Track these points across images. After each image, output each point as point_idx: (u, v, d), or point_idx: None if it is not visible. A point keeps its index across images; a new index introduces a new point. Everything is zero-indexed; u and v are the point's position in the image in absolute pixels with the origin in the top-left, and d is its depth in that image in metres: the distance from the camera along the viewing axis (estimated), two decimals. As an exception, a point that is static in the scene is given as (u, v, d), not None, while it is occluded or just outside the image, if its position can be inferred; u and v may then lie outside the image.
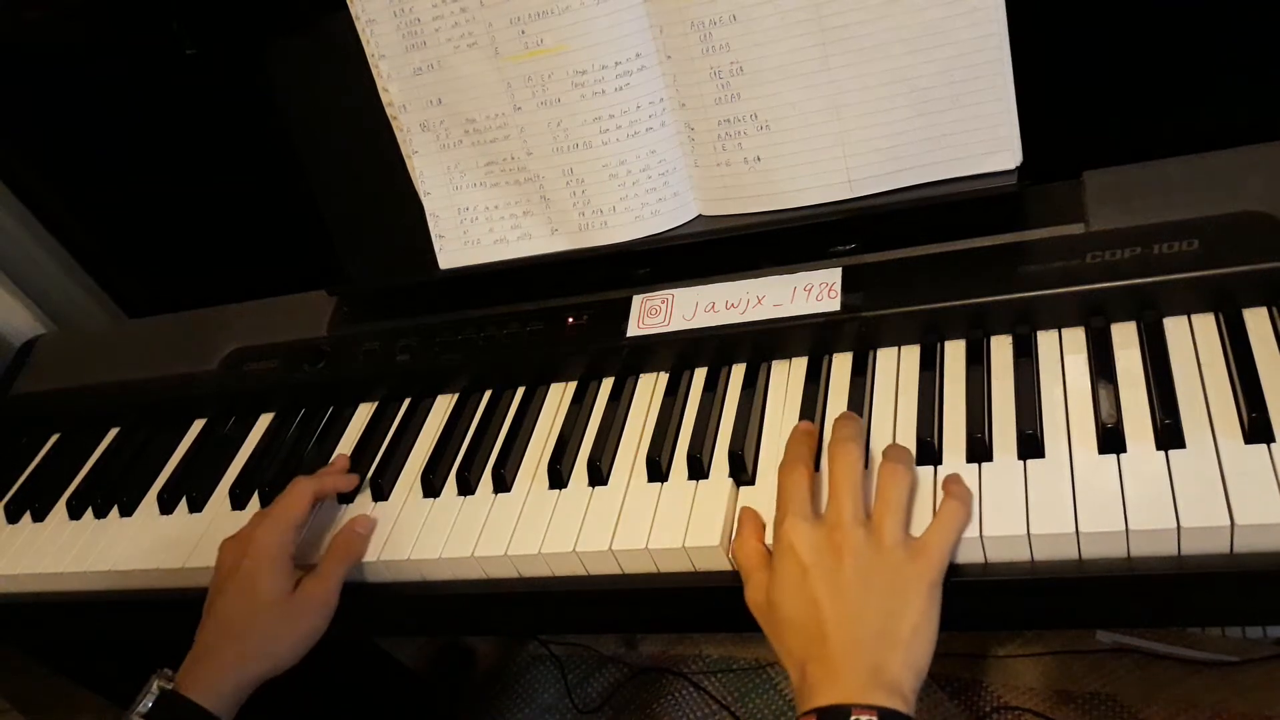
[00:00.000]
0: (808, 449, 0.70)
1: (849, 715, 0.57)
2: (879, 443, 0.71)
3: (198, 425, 1.00)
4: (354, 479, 0.84)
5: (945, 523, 0.63)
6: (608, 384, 0.85)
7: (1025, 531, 0.62)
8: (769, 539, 0.67)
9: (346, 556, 0.77)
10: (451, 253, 0.88)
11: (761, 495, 0.71)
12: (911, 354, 0.76)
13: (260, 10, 0.86)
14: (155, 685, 0.72)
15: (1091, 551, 0.61)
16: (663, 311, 0.83)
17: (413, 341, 0.91)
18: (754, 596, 0.65)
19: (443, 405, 0.90)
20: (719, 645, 1.45)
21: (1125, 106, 0.80)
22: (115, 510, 0.93)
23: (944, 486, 0.65)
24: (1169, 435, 0.63)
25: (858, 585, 0.61)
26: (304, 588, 0.75)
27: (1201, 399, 0.65)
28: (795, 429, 0.72)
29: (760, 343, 0.80)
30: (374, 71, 0.83)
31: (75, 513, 0.94)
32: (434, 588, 0.78)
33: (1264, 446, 0.61)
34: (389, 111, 0.84)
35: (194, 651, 0.74)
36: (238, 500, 0.89)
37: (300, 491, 0.79)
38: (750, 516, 0.69)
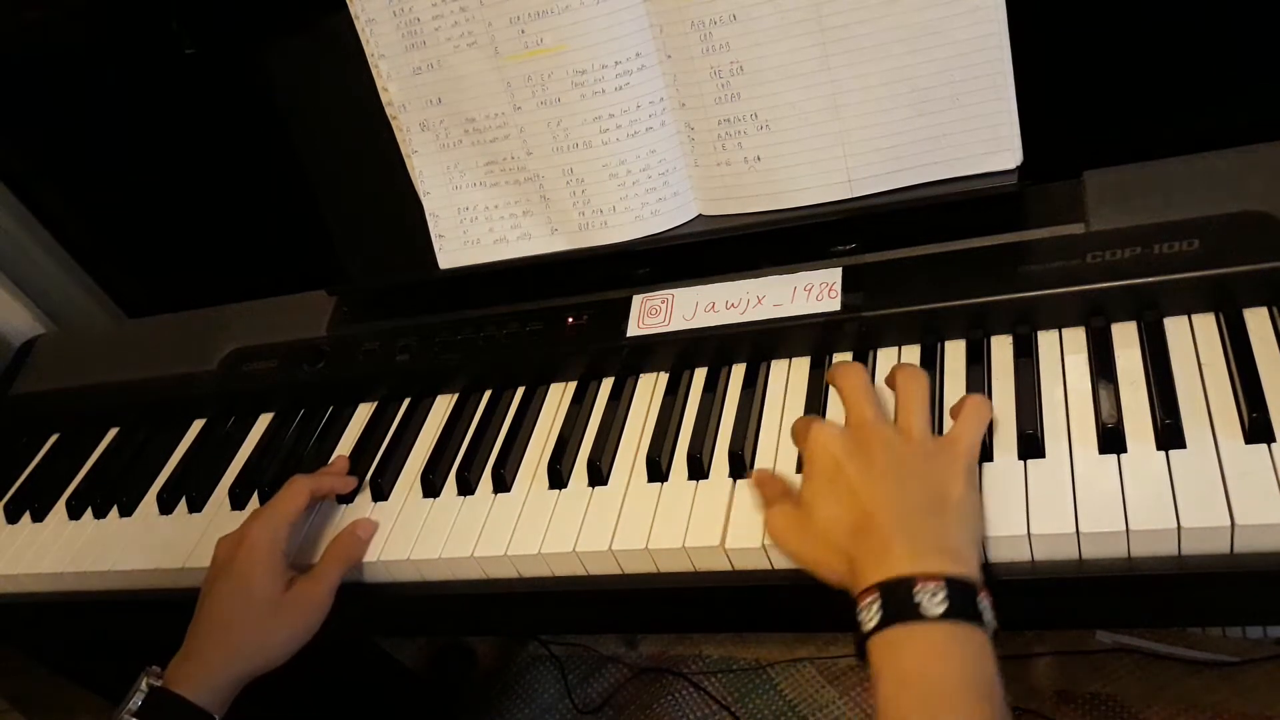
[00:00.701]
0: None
1: (913, 586, 0.53)
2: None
3: (197, 425, 1.00)
4: (352, 481, 0.84)
5: (969, 417, 0.64)
6: (608, 384, 0.85)
7: (1025, 531, 0.62)
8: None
9: (345, 559, 0.77)
10: (451, 252, 0.88)
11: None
12: (912, 354, 0.76)
13: (260, 10, 0.86)
14: (144, 683, 0.72)
15: (1091, 551, 0.61)
16: (663, 311, 0.83)
17: (412, 341, 0.91)
18: (778, 522, 0.64)
19: (442, 405, 0.90)
20: (719, 645, 1.45)
21: (1125, 106, 0.80)
22: (115, 510, 0.93)
23: (962, 399, 0.66)
24: (1169, 435, 0.63)
25: (894, 470, 0.60)
26: (298, 586, 0.75)
27: (1202, 399, 0.65)
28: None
29: (760, 343, 0.80)
30: (373, 71, 0.83)
31: (75, 513, 0.94)
32: (434, 588, 0.78)
33: (1264, 446, 0.61)
34: (389, 111, 0.84)
35: (185, 648, 0.74)
36: (237, 500, 0.89)
37: (297, 490, 0.79)
38: (764, 473, 0.69)
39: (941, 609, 0.53)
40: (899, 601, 0.54)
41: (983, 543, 0.61)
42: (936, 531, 0.57)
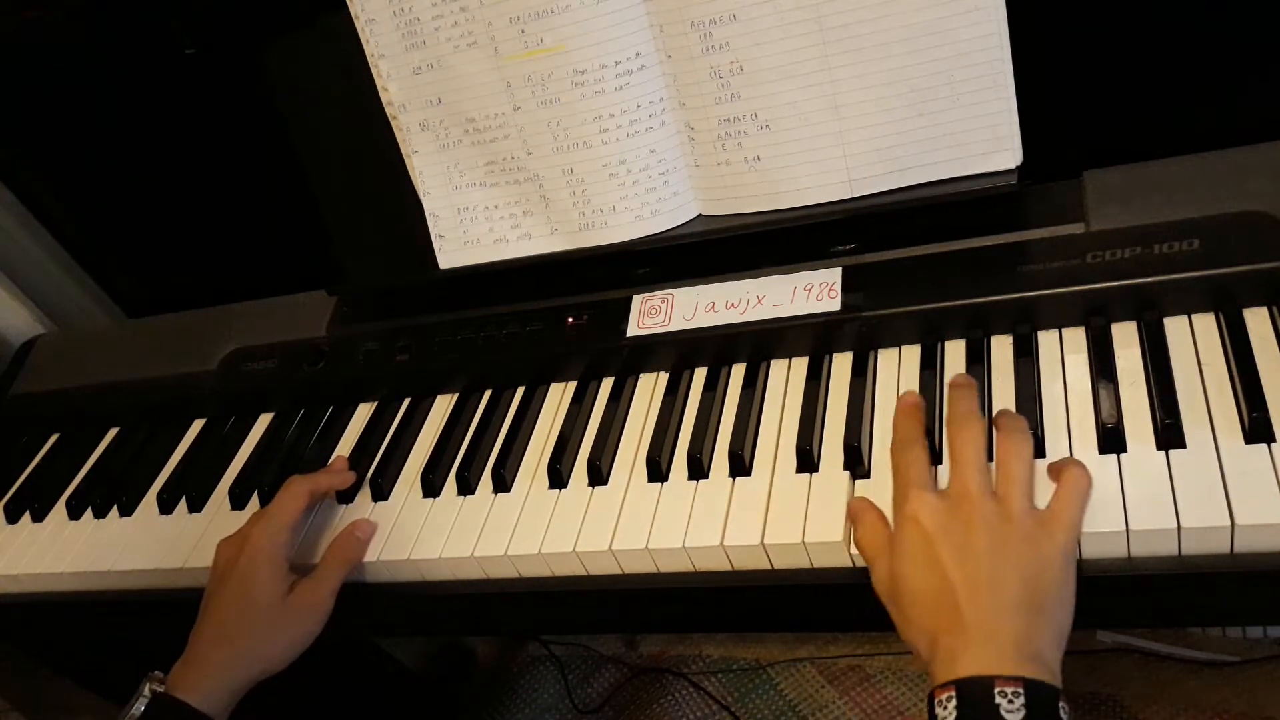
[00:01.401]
0: (918, 424, 0.66)
1: (993, 688, 0.52)
2: (880, 443, 0.71)
3: (197, 425, 1.00)
4: (351, 476, 0.84)
5: (1071, 491, 0.60)
6: (608, 384, 0.85)
7: (1025, 531, 0.62)
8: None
9: (345, 561, 0.77)
10: (451, 252, 0.88)
11: (758, 485, 0.71)
12: (912, 354, 0.76)
13: (259, 10, 0.86)
14: (147, 688, 0.72)
15: (1092, 551, 0.61)
16: (663, 311, 0.83)
17: (412, 341, 0.91)
18: (880, 581, 0.61)
19: (442, 405, 0.90)
20: (719, 645, 1.45)
21: (1125, 106, 0.80)
22: (115, 510, 0.93)
23: (1062, 464, 0.62)
24: (1169, 435, 0.63)
25: (989, 554, 0.57)
26: (300, 591, 0.75)
27: (1202, 399, 0.65)
28: (903, 402, 0.67)
29: (760, 343, 0.80)
30: (373, 71, 0.83)
31: (75, 513, 0.94)
32: (434, 588, 0.78)
33: (1264, 446, 0.61)
34: (389, 111, 0.84)
35: (187, 652, 0.74)
36: (237, 500, 0.89)
37: (296, 491, 0.79)
38: (867, 505, 0.65)
39: (1020, 715, 0.51)
40: (977, 703, 0.52)
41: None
42: (1024, 629, 0.55)
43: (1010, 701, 0.51)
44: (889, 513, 0.64)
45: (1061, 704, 0.52)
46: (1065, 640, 0.56)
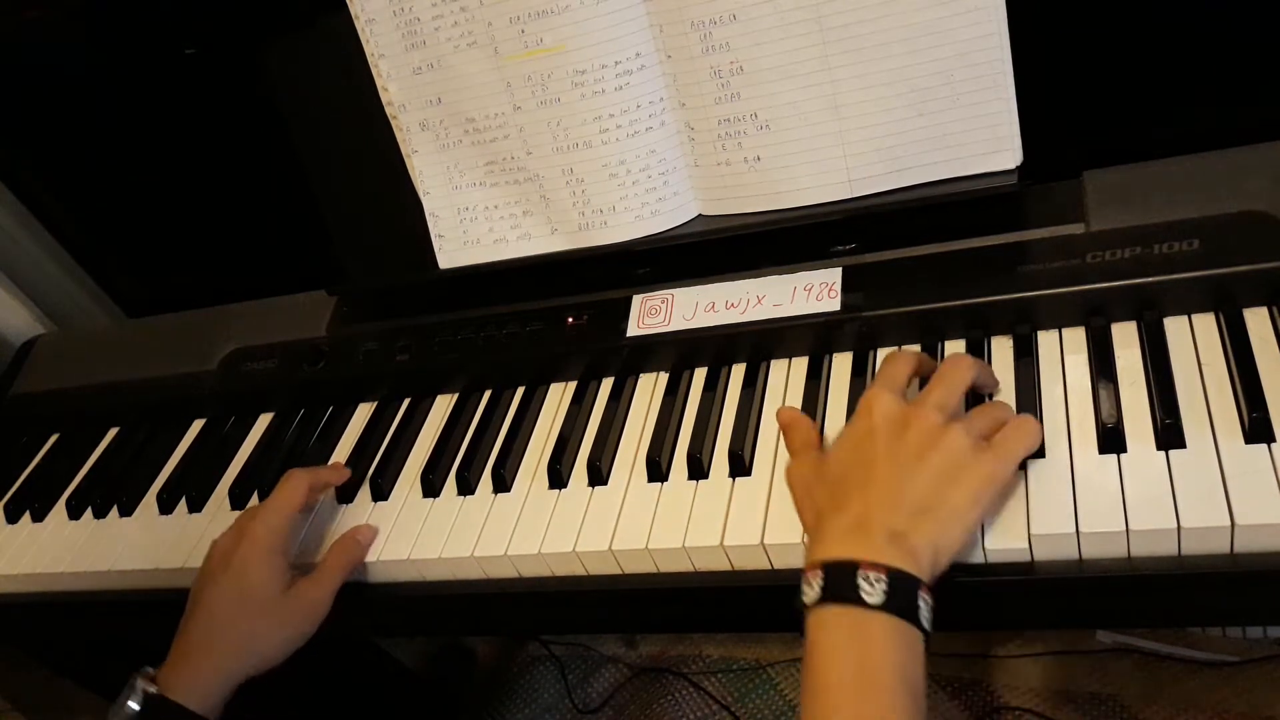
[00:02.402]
0: (915, 358, 0.69)
1: (855, 570, 0.56)
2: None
3: (197, 425, 1.00)
4: (347, 471, 0.84)
5: (1018, 431, 0.63)
6: (608, 384, 0.85)
7: (1025, 531, 0.62)
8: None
9: (346, 563, 0.77)
10: (451, 252, 0.88)
11: (758, 484, 0.71)
12: (912, 354, 0.76)
13: (259, 10, 0.86)
14: (139, 686, 0.70)
15: (1091, 551, 0.61)
16: (663, 311, 0.83)
17: (412, 341, 0.91)
18: (797, 469, 0.66)
19: (442, 405, 0.90)
20: (719, 645, 1.45)
21: (1125, 106, 0.80)
22: (115, 510, 0.93)
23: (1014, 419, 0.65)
24: (1169, 435, 0.63)
25: (914, 458, 0.60)
26: (300, 587, 0.75)
27: (1202, 399, 0.65)
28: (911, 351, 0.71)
29: (760, 342, 0.80)
30: (373, 71, 0.83)
31: (75, 513, 0.94)
32: (434, 588, 0.78)
33: (1264, 446, 0.61)
34: (389, 111, 0.84)
35: (179, 645, 0.73)
36: (237, 500, 0.89)
37: (295, 483, 0.78)
38: (800, 414, 0.71)
39: (879, 599, 0.55)
40: (840, 583, 0.56)
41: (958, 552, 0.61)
42: (908, 530, 0.58)
43: (871, 586, 0.56)
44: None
45: (922, 594, 0.56)
46: (949, 556, 0.59)
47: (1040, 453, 0.65)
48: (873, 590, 0.55)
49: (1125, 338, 0.71)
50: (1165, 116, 0.80)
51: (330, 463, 0.88)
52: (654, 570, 0.72)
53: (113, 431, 1.04)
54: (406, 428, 0.88)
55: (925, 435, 0.61)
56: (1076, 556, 0.62)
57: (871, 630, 0.55)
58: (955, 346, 0.75)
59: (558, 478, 0.78)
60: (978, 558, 0.63)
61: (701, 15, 0.74)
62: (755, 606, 0.73)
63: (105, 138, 1.05)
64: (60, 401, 1.06)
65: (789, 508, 0.68)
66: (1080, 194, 0.75)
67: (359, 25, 0.81)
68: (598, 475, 0.77)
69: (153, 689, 0.70)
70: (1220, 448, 0.62)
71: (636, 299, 0.84)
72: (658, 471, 0.75)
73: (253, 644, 0.72)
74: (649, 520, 0.72)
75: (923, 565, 0.57)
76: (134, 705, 0.70)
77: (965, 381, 0.66)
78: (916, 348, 0.76)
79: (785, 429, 0.71)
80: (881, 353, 0.77)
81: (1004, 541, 0.62)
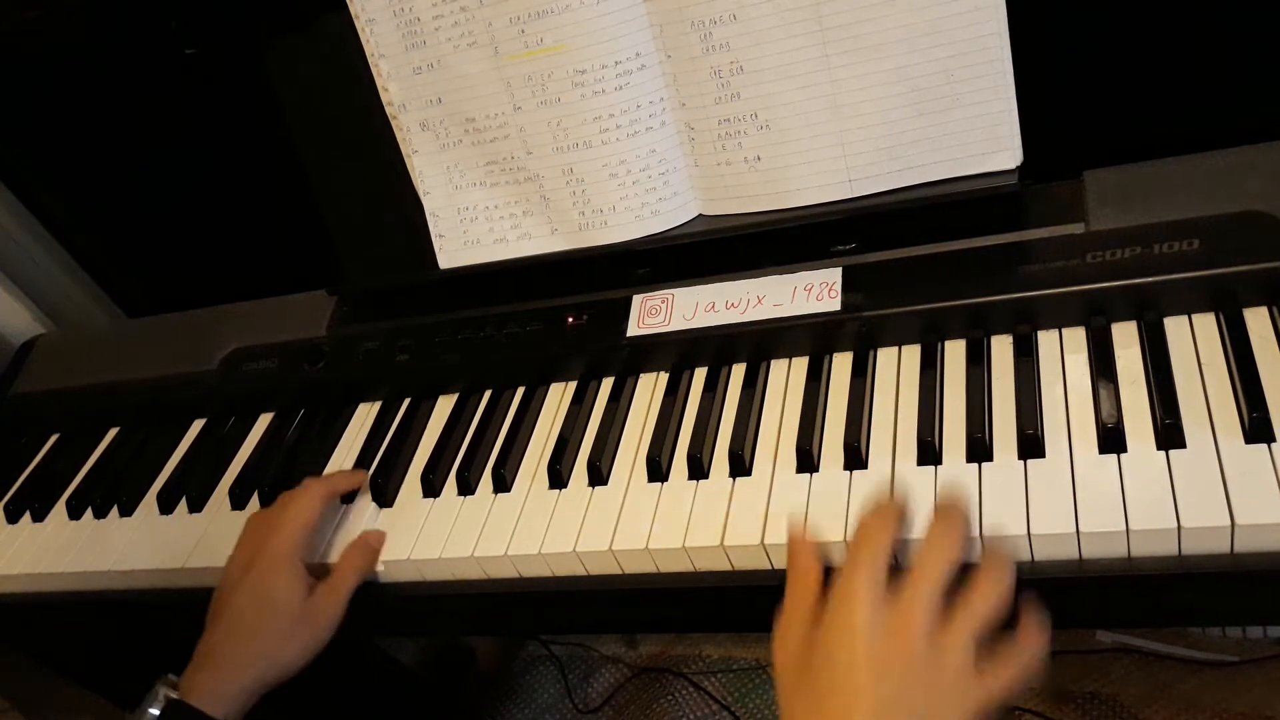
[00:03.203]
0: (897, 512, 0.61)
1: None
2: (880, 443, 0.71)
3: (197, 425, 1.00)
4: (361, 475, 0.84)
5: (1020, 659, 0.57)
6: (608, 384, 0.85)
7: (1025, 531, 0.62)
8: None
9: (360, 569, 0.77)
10: (451, 252, 0.88)
11: (759, 485, 0.71)
12: (912, 354, 0.76)
13: (259, 9, 0.86)
14: (161, 693, 0.71)
15: (1092, 551, 0.61)
16: (663, 311, 0.83)
17: (412, 341, 0.91)
18: (789, 644, 0.59)
19: (443, 405, 0.90)
20: (719, 645, 1.45)
21: (1125, 106, 0.80)
22: (115, 510, 0.93)
23: (1024, 628, 0.59)
24: (1169, 435, 0.63)
25: (901, 674, 0.55)
26: (318, 595, 0.75)
27: (1202, 399, 0.65)
28: (887, 504, 0.62)
29: (760, 342, 0.80)
30: (374, 71, 0.83)
31: (75, 513, 0.94)
32: (434, 588, 0.78)
33: (1264, 446, 0.61)
34: (389, 111, 0.84)
35: (200, 655, 0.74)
36: (237, 500, 0.88)
37: (312, 495, 0.79)
38: (812, 558, 0.61)
39: None
40: None
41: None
42: None
43: None
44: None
45: None
46: None
47: (1041, 453, 0.66)
48: None
49: (1125, 337, 0.71)
50: (1165, 116, 0.80)
51: (335, 465, 0.88)
52: (654, 570, 0.72)
53: (113, 431, 1.04)
54: (407, 428, 0.88)
55: (914, 647, 0.55)
56: (1076, 556, 0.62)
57: None
58: (955, 346, 0.75)
59: (558, 478, 0.78)
60: (978, 558, 0.63)
61: (701, 15, 0.74)
62: (755, 606, 0.72)
63: (105, 138, 1.05)
64: (60, 401, 1.06)
65: (789, 508, 0.69)
66: (1080, 194, 0.75)
67: (359, 25, 0.81)
68: (598, 475, 0.77)
69: (174, 695, 0.71)
70: (1220, 447, 0.62)
71: (636, 299, 0.84)
72: (658, 471, 0.75)
73: (275, 654, 0.73)
74: (649, 520, 0.72)
75: None
76: (154, 711, 0.71)
77: (954, 557, 0.58)
78: (917, 350, 0.76)
79: (790, 564, 0.62)
80: (882, 353, 0.77)
81: (1004, 542, 0.62)
